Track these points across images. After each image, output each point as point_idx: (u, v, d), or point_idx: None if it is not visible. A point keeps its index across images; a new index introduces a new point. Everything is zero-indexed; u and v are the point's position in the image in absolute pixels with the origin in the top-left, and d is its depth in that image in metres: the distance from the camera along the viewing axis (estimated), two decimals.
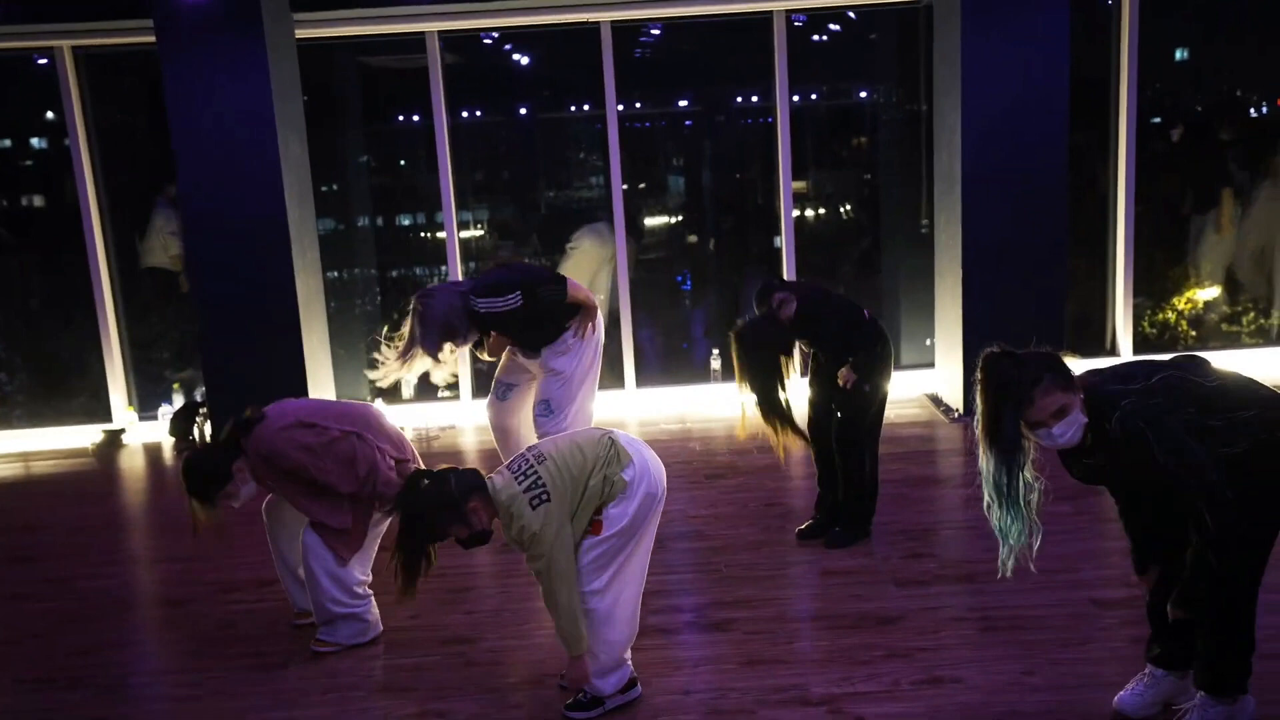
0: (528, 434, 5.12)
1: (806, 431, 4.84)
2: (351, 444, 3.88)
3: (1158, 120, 7.47)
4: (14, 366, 7.86)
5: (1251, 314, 7.77)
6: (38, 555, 5.40)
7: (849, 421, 4.72)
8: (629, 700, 3.50)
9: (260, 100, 6.48)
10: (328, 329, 7.21)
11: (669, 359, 8.05)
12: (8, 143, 7.83)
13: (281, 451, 3.80)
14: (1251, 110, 7.76)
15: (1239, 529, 2.77)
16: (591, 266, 7.62)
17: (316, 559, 3.91)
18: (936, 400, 7.20)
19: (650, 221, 8.28)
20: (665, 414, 7.28)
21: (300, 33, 6.93)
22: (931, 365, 7.52)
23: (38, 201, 7.80)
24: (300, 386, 6.66)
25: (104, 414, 7.57)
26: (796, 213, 7.53)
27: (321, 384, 6.96)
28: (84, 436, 7.49)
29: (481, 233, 8.09)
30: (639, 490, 3.30)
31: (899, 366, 7.66)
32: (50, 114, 7.47)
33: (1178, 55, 7.65)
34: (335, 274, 7.53)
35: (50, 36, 7.03)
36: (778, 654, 3.84)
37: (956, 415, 6.79)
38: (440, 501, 3.22)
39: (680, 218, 8.39)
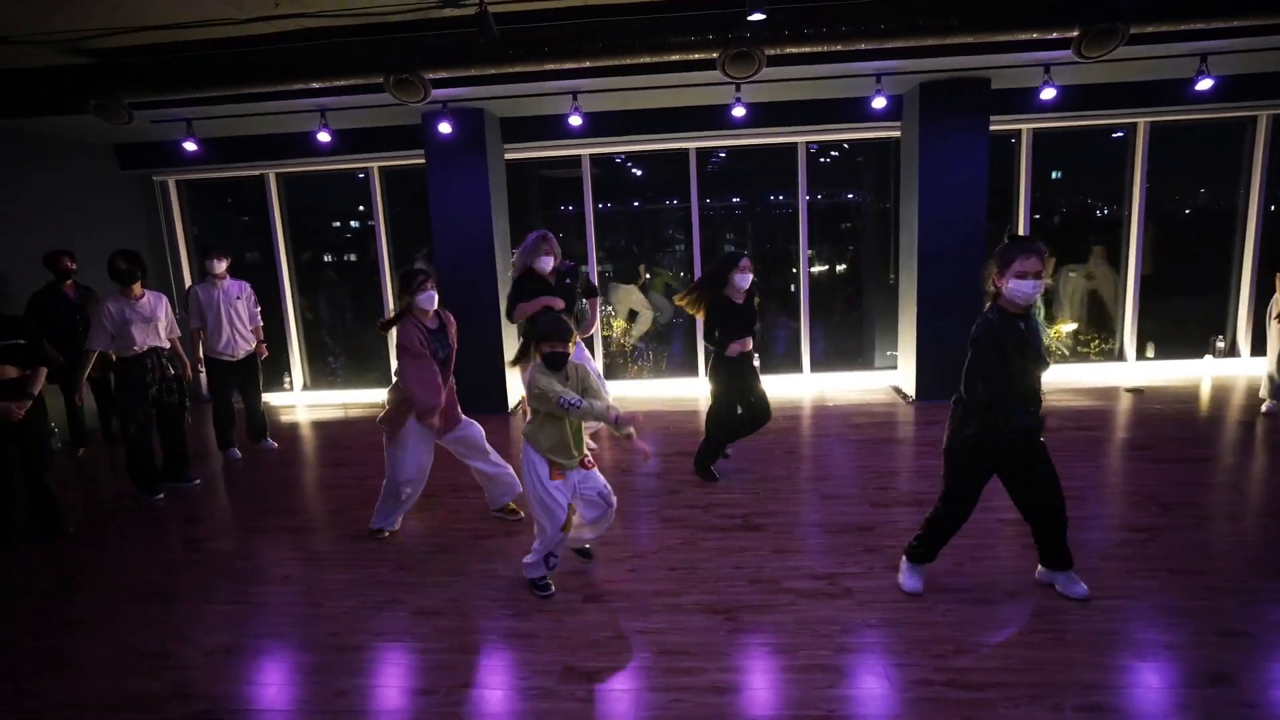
0: None
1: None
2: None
3: (1037, 216, 7.21)
4: (338, 352, 8.15)
5: (1096, 340, 7.45)
6: (351, 462, 5.59)
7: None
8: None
9: (482, 195, 6.62)
10: (516, 328, 7.34)
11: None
12: (338, 224, 8.12)
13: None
14: (1097, 211, 7.49)
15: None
16: (627, 302, 7.77)
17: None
18: (898, 390, 7.05)
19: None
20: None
21: (508, 155, 7.07)
22: (894, 368, 7.37)
23: (352, 258, 8.08)
24: (500, 361, 6.74)
25: (386, 382, 7.78)
26: (808, 269, 7.43)
27: (513, 374, 7.09)
28: (377, 396, 7.72)
29: (609, 276, 8.13)
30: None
31: (872, 368, 7.58)
32: (361, 206, 7.74)
33: (1054, 175, 7.38)
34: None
35: (367, 161, 7.30)
36: (795, 546, 3.83)
37: (911, 400, 6.64)
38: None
39: None
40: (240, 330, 5.65)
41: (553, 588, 3.44)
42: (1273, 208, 7.00)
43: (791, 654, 2.91)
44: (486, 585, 3.55)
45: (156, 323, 4.85)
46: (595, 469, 3.42)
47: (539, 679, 2.84)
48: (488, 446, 4.16)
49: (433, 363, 3.88)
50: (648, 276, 7.88)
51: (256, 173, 7.44)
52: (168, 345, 4.93)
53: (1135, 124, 6.87)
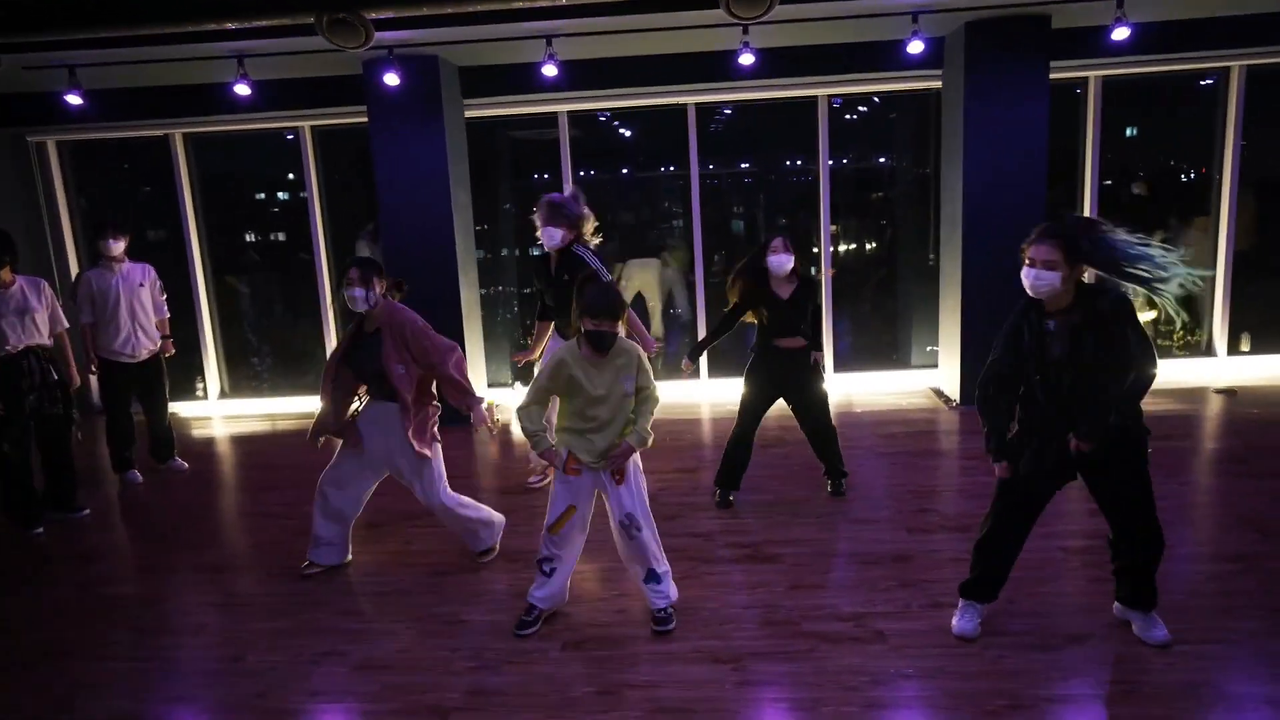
0: None
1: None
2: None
3: (1109, 182, 7.28)
4: (263, 352, 8.14)
5: (1181, 331, 7.51)
6: (279, 485, 5.58)
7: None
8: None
9: (438, 162, 6.65)
10: (482, 330, 7.38)
11: (730, 357, 8.05)
12: (262, 195, 8.11)
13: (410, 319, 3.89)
14: (1182, 176, 7.56)
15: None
16: (635, 286, 7.86)
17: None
18: (939, 393, 7.10)
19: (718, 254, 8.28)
20: (729, 399, 7.29)
21: (469, 113, 7.08)
22: (935, 366, 7.42)
23: (280, 237, 8.07)
24: None
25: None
26: (830, 248, 7.48)
27: (476, 369, 7.12)
28: (310, 405, 7.72)
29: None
30: None
31: (908, 367, 7.62)
32: (291, 174, 7.74)
33: (1128, 132, 7.45)
34: (485, 290, 7.67)
35: (296, 119, 7.30)
36: (816, 580, 3.85)
37: (954, 404, 6.68)
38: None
39: (739, 250, 8.37)
40: (143, 325, 5.63)
41: (531, 626, 3.49)
42: None
43: (812, 711, 2.93)
44: (446, 633, 3.56)
45: (33, 315, 4.82)
46: (633, 486, 3.41)
47: None
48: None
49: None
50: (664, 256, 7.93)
51: (159, 133, 7.43)
52: (49, 343, 4.91)
53: (1228, 68, 6.93)
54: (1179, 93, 7.25)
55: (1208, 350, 7.43)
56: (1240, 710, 2.83)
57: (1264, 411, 6.14)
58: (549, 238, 4.65)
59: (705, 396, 7.45)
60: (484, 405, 3.96)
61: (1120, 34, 5.93)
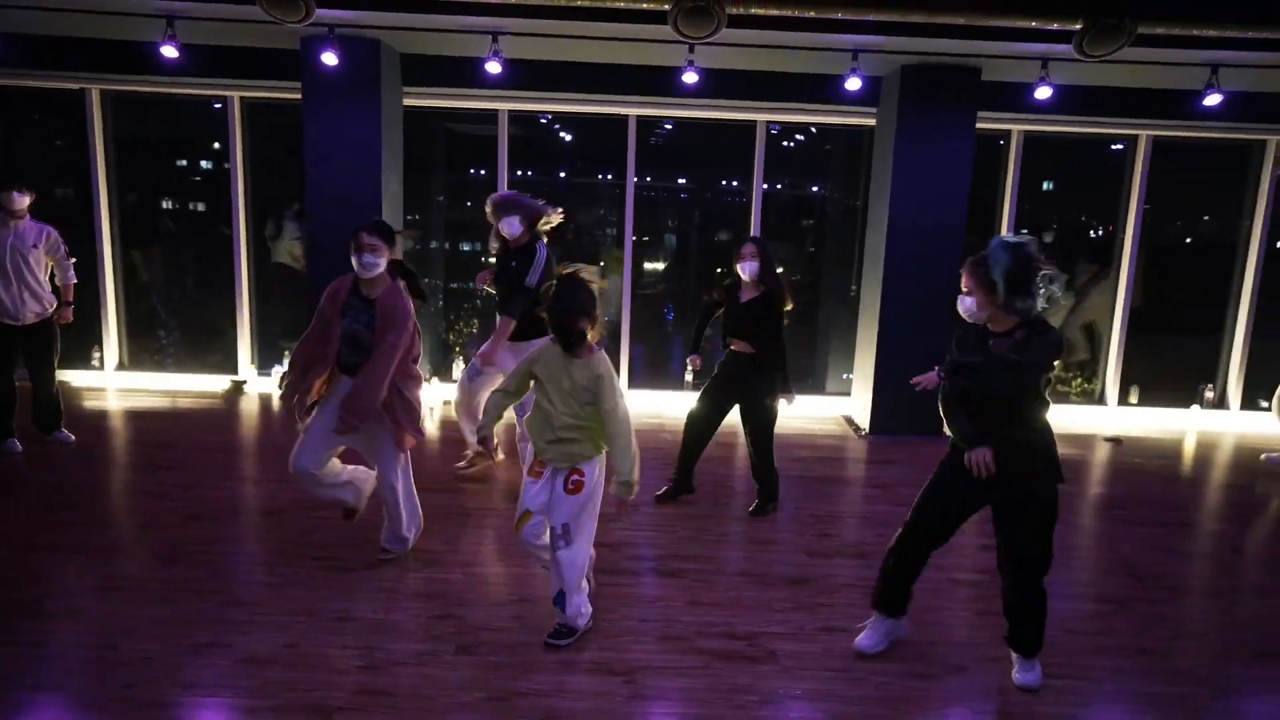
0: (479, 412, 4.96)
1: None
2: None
3: (1024, 230, 7.59)
4: (171, 326, 7.79)
5: (1079, 379, 7.88)
6: (175, 466, 5.37)
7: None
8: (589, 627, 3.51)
9: (371, 148, 6.50)
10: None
11: (654, 369, 8.08)
12: (184, 162, 7.78)
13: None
14: (1091, 232, 7.99)
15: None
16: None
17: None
18: (850, 421, 7.25)
19: (648, 266, 8.31)
20: (648, 411, 7.33)
21: (407, 102, 6.94)
22: (848, 394, 7.59)
23: (200, 207, 7.76)
24: None
25: (232, 368, 7.57)
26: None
27: None
28: (216, 384, 7.50)
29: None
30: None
31: (823, 393, 7.78)
32: (216, 144, 7.44)
33: (1045, 186, 7.79)
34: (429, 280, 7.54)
35: (225, 88, 7.04)
36: (714, 599, 3.87)
37: (863, 434, 6.84)
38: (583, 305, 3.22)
39: (669, 265, 8.43)
40: (30, 286, 5.31)
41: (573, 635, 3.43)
42: (1278, 244, 7.57)
43: None
44: (337, 629, 3.45)
45: None
46: (575, 498, 3.30)
47: None
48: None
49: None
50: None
51: (74, 86, 7.04)
52: None
53: (1137, 136, 7.33)
54: (1093, 153, 7.62)
55: (1100, 399, 7.80)
56: None
57: (1145, 461, 6.47)
58: (509, 227, 4.69)
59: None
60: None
61: (1043, 93, 6.21)
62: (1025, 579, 3.17)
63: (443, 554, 4.22)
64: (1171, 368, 7.84)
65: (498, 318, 4.87)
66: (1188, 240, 8.08)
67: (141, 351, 7.70)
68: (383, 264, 3.78)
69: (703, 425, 4.92)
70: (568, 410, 3.27)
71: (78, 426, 5.96)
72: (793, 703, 3.10)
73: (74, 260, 5.59)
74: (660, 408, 7.42)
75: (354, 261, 3.75)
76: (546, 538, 3.43)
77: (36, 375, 5.54)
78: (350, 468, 4.13)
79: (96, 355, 7.51)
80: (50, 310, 5.45)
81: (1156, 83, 6.73)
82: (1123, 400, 7.76)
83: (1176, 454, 6.75)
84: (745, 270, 4.62)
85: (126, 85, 7.02)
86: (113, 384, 7.45)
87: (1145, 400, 7.78)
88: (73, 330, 5.90)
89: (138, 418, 6.56)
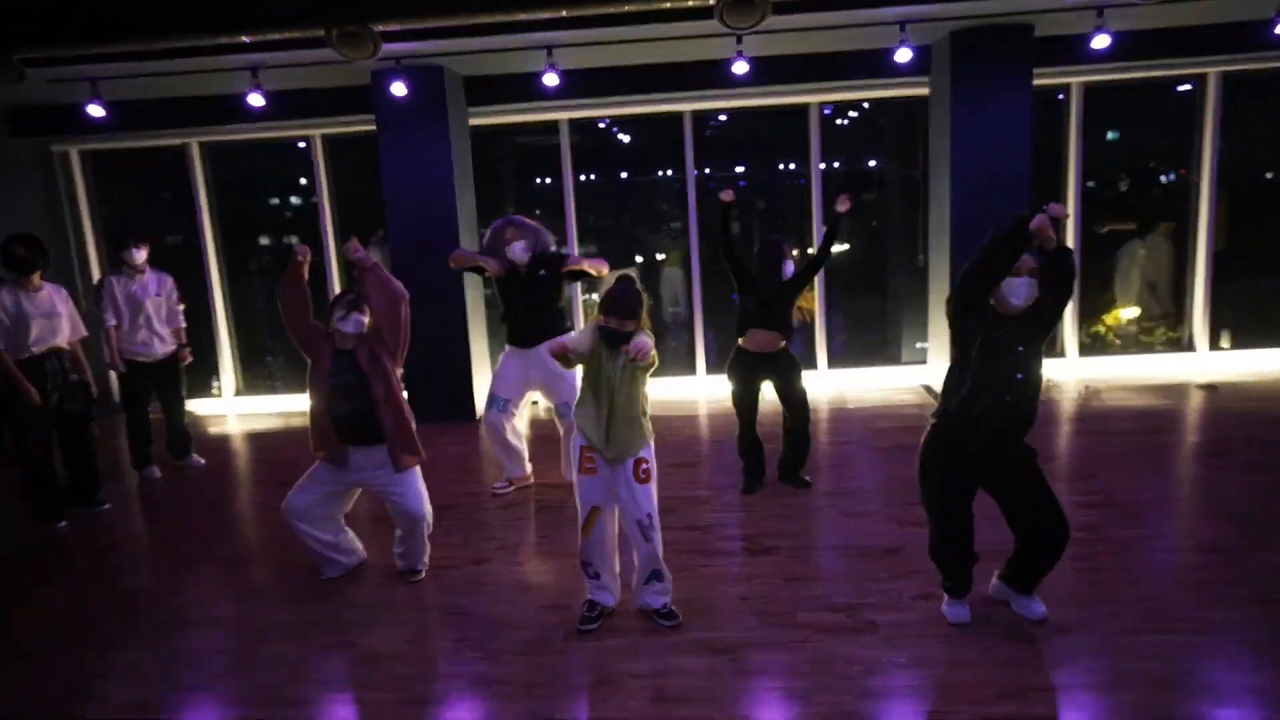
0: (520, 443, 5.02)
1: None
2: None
3: (1092, 184, 7.24)
4: (276, 351, 8.08)
5: (1161, 328, 7.47)
6: (287, 480, 5.46)
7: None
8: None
9: (443, 168, 6.61)
10: (486, 329, 7.33)
11: (725, 352, 8.00)
12: (276, 200, 8.07)
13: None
14: (1161, 178, 7.55)
15: None
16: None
17: None
18: (929, 389, 7.05)
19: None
20: (724, 395, 7.24)
21: (473, 121, 7.04)
22: (924, 362, 7.38)
23: (293, 240, 8.04)
24: (466, 363, 6.83)
25: None
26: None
27: (479, 358, 7.08)
28: None
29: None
30: None
31: (899, 364, 7.57)
32: (303, 179, 7.69)
33: (1109, 136, 7.41)
34: (488, 290, 7.62)
35: (307, 128, 7.26)
36: (809, 573, 3.82)
37: None
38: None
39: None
40: (157, 330, 5.63)
41: (592, 623, 3.41)
42: None
43: (807, 700, 2.89)
44: (451, 624, 3.53)
45: (57, 319, 4.80)
46: (649, 486, 3.31)
47: None
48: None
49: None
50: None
51: (176, 142, 7.38)
52: (68, 347, 4.89)
53: (1205, 75, 6.88)
54: (1158, 98, 7.20)
55: (1189, 346, 7.37)
56: (1222, 698, 2.78)
57: (1243, 406, 6.08)
58: (522, 252, 4.81)
59: (702, 394, 7.40)
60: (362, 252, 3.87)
61: (1100, 41, 5.88)
62: (1060, 522, 3.12)
63: (544, 547, 4.27)
64: (1267, 309, 7.34)
65: (512, 328, 4.98)
66: (1268, 175, 7.54)
67: (253, 378, 8.01)
68: (367, 321, 3.82)
69: (750, 402, 4.86)
70: (621, 397, 3.24)
71: (205, 450, 6.26)
72: (898, 671, 3.02)
73: (183, 307, 5.87)
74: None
75: (343, 326, 3.76)
76: (610, 537, 3.43)
77: (168, 408, 5.85)
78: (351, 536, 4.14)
79: (215, 385, 7.86)
80: (175, 347, 5.75)
81: (1220, 17, 6.29)
82: (1214, 346, 7.31)
83: (1277, 396, 6.32)
84: (787, 269, 4.76)
85: (221, 135, 7.32)
86: (232, 409, 7.79)
87: (1239, 344, 7.31)
88: (192, 363, 6.20)
89: (257, 439, 6.84)
